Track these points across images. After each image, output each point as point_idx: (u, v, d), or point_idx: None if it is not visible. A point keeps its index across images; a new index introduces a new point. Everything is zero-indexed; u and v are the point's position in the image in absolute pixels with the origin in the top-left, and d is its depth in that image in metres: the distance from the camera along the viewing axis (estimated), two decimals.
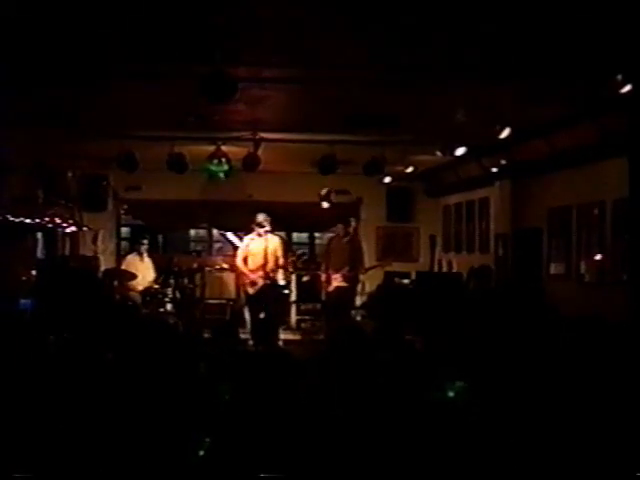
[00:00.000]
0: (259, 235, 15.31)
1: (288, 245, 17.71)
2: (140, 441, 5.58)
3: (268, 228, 15.28)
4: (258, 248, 15.30)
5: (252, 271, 15.25)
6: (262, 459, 5.17)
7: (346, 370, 6.38)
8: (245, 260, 15.38)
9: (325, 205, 18.47)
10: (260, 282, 15.13)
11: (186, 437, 5.54)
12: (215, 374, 7.30)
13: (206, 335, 14.25)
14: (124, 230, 21.21)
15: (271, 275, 15.34)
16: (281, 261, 15.50)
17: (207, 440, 5.37)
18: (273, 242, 15.45)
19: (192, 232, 24.60)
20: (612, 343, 9.34)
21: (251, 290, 15.24)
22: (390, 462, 5.25)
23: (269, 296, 15.26)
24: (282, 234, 18.08)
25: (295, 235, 22.55)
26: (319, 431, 5.46)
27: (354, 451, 5.27)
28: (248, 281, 15.29)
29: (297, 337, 16.45)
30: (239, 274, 16.42)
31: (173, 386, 6.61)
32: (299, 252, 17.49)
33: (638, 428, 6.04)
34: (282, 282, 16.88)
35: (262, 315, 15.11)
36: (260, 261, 15.19)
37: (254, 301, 15.32)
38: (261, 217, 15.31)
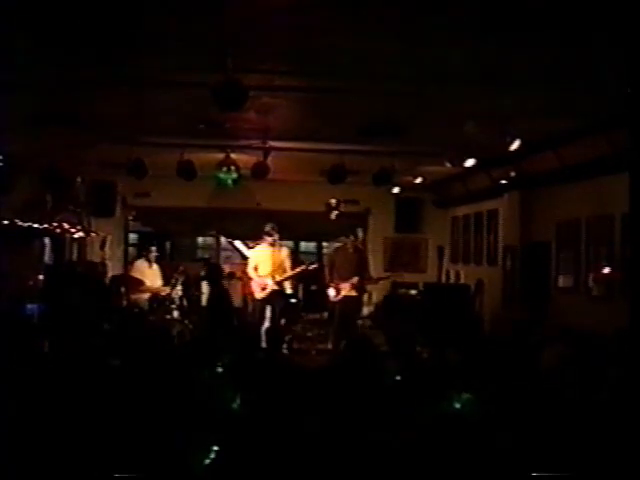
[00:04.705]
0: (270, 245, 15.38)
1: (296, 256, 17.69)
2: (145, 448, 5.57)
3: (276, 237, 15.32)
4: (268, 257, 15.37)
5: (262, 277, 15.35)
6: (269, 468, 5.16)
7: (356, 382, 6.37)
8: (256, 268, 15.46)
9: (333, 215, 18.49)
10: (269, 287, 15.21)
11: (192, 445, 5.52)
12: (222, 382, 7.29)
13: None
14: (132, 236, 21.24)
15: (280, 284, 15.42)
16: (288, 272, 15.53)
17: (214, 448, 5.36)
18: (282, 253, 15.53)
19: (200, 240, 24.63)
20: (619, 356, 9.31)
21: (260, 295, 15.30)
22: (398, 472, 5.23)
23: (277, 301, 15.35)
24: (290, 244, 18.04)
25: (303, 244, 22.56)
26: (326, 441, 5.45)
27: (361, 462, 5.26)
28: (258, 286, 15.35)
29: (304, 346, 16.40)
30: (246, 282, 16.48)
31: (179, 393, 6.60)
32: (308, 263, 17.46)
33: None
34: (289, 291, 16.94)
35: (267, 322, 15.20)
36: (269, 269, 15.26)
37: (262, 305, 15.40)
38: (269, 227, 15.38)
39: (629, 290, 10.56)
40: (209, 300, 16.67)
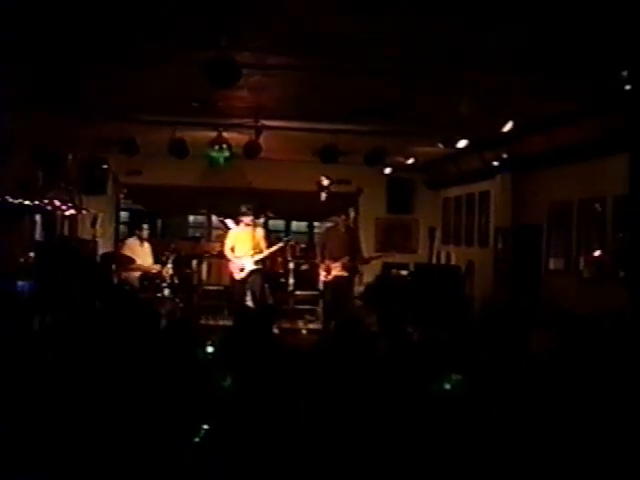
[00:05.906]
0: (246, 225, 15.43)
1: (269, 233, 17.63)
2: (136, 426, 5.57)
3: (251, 218, 15.38)
4: (244, 238, 15.43)
5: (239, 258, 15.39)
6: (260, 447, 5.16)
7: (347, 362, 6.38)
8: (232, 249, 15.50)
9: (323, 195, 18.46)
10: (248, 267, 15.24)
11: (183, 423, 5.52)
12: (214, 361, 7.29)
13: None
14: (123, 214, 21.19)
15: (258, 263, 15.45)
16: (264, 252, 15.56)
17: (204, 427, 5.36)
18: (258, 233, 15.61)
19: (191, 218, 24.57)
20: (609, 339, 9.33)
21: (239, 275, 15.34)
22: (387, 454, 5.24)
23: (256, 281, 15.37)
24: (281, 223, 17.92)
25: (294, 224, 22.53)
26: (318, 422, 5.46)
27: (352, 444, 5.26)
28: (236, 267, 15.39)
29: (294, 326, 16.42)
30: (225, 263, 16.47)
31: (170, 371, 6.60)
32: (285, 239, 17.39)
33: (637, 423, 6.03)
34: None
35: (249, 300, 15.23)
36: (246, 249, 15.30)
37: (242, 286, 15.43)
38: (244, 207, 15.48)
39: (625, 271, 10.63)
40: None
